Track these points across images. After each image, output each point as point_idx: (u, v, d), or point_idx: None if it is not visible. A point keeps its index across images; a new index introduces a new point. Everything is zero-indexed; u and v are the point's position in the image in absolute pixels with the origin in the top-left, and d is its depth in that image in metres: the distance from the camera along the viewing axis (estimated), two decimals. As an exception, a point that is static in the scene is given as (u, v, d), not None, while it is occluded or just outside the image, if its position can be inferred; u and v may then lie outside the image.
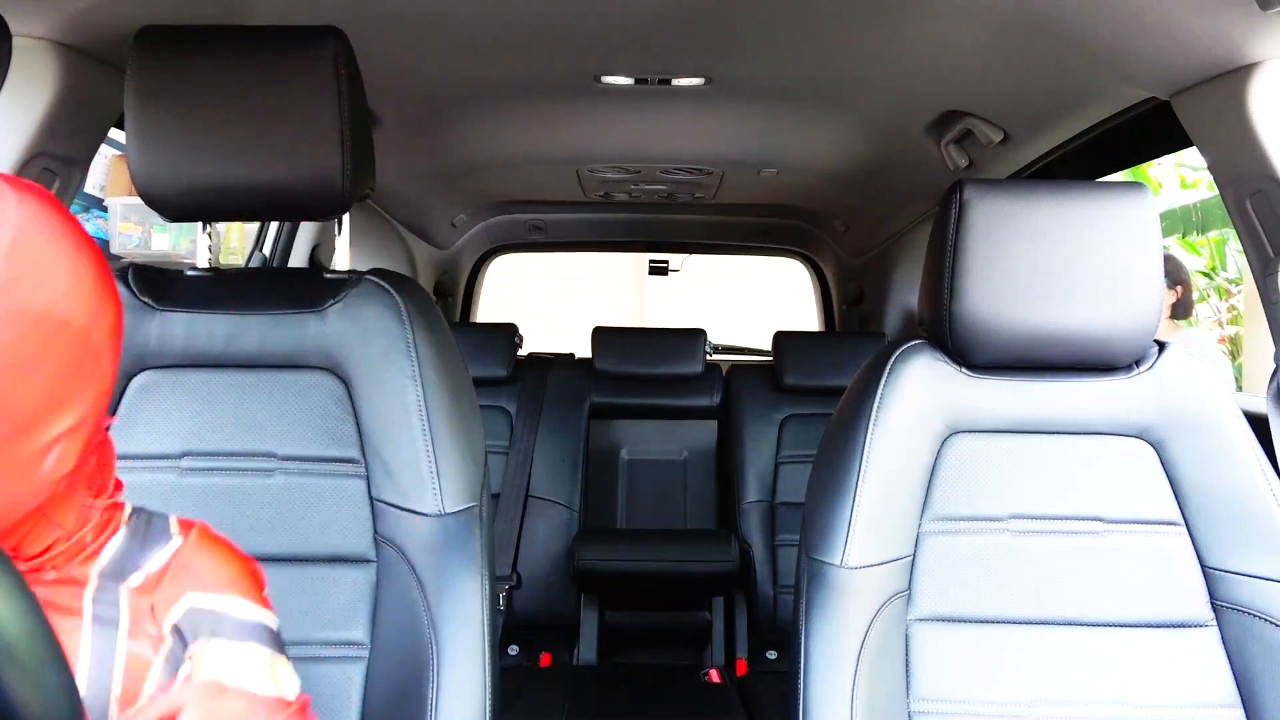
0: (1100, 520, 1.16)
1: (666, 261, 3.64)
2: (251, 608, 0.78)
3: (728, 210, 3.14)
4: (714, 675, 2.51)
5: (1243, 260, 6.57)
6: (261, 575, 0.82)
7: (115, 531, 0.75)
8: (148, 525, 0.78)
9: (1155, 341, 1.18)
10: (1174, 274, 3.03)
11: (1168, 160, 7.24)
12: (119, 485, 0.77)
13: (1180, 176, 7.41)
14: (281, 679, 0.78)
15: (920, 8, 1.34)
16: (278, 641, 0.79)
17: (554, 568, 2.57)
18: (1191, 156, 6.78)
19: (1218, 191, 1.32)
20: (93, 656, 0.71)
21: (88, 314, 0.65)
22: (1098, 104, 1.54)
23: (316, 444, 1.10)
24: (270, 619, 0.80)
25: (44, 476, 0.64)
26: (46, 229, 0.62)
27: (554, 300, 9.18)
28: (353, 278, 1.14)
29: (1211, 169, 1.31)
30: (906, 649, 1.13)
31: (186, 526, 0.79)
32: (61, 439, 0.64)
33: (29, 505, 0.65)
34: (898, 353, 1.18)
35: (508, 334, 2.73)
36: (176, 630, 0.74)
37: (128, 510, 0.78)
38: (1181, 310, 3.08)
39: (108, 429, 0.75)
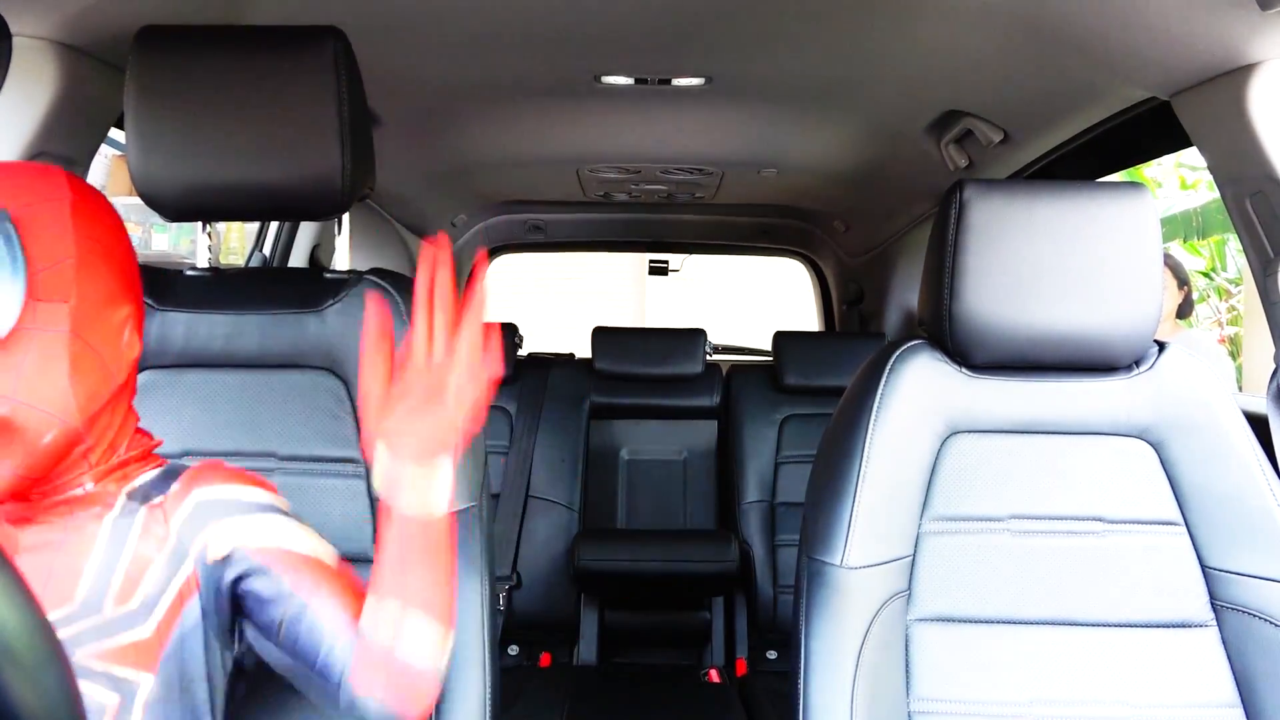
0: (1100, 520, 1.16)
1: (666, 261, 3.63)
2: (262, 493, 0.86)
3: (728, 210, 3.14)
4: (714, 675, 2.51)
5: (1243, 260, 6.57)
6: (273, 486, 0.90)
7: (151, 469, 0.86)
8: (176, 467, 0.88)
9: (1155, 342, 1.18)
10: (1182, 274, 3.05)
11: (1168, 161, 7.24)
12: (155, 442, 0.88)
13: (1180, 178, 7.41)
14: (317, 541, 0.86)
15: (920, 8, 1.33)
16: (296, 520, 0.86)
17: (554, 568, 2.57)
18: (1192, 157, 6.78)
19: (1218, 193, 1.32)
20: (102, 558, 0.80)
21: (128, 246, 0.85)
22: (1098, 104, 1.54)
23: (317, 444, 1.10)
24: (284, 503, 0.87)
25: (123, 353, 0.82)
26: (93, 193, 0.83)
27: (553, 300, 9.18)
28: (352, 278, 1.13)
29: (1211, 169, 1.31)
30: (906, 649, 1.13)
31: None
32: (128, 321, 0.83)
33: (117, 380, 0.81)
34: (898, 353, 1.18)
35: (508, 334, 2.73)
36: (183, 528, 0.82)
37: (167, 463, 0.89)
38: (1185, 310, 3.09)
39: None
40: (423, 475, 0.80)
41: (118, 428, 0.83)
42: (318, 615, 0.83)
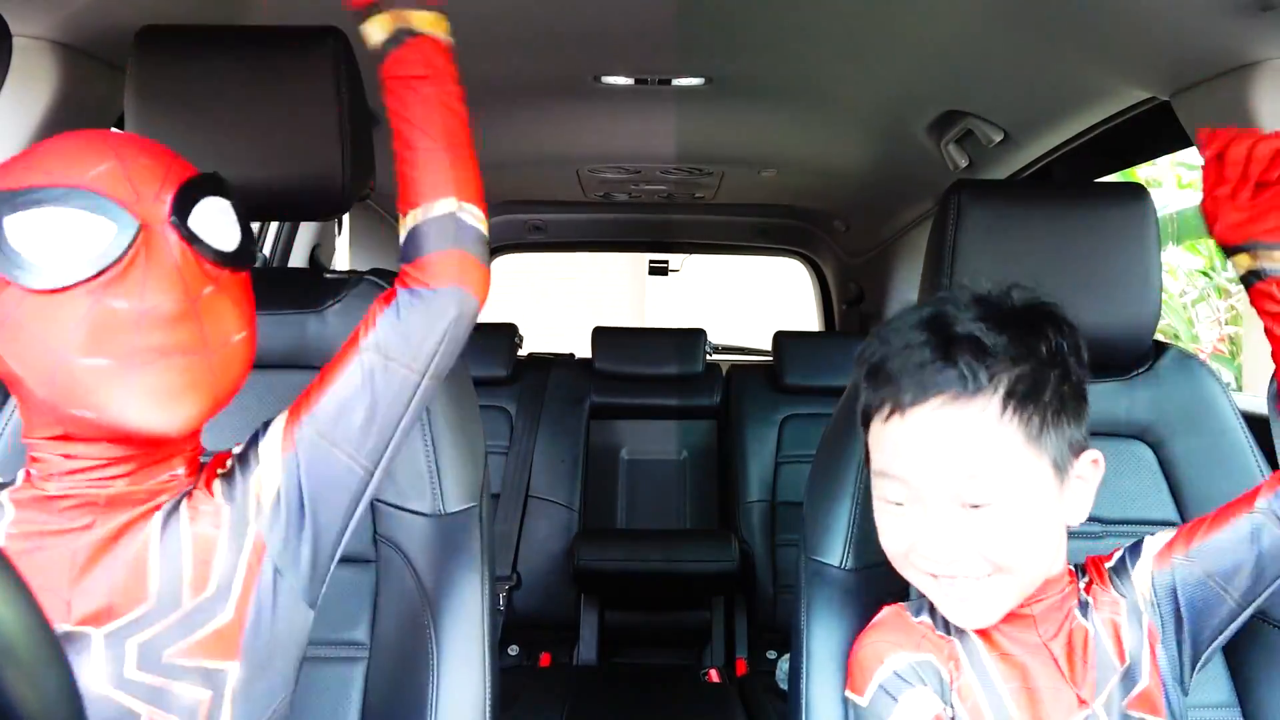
0: (1099, 521, 1.15)
1: (666, 261, 3.64)
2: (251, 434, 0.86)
3: (728, 210, 3.14)
4: (714, 675, 2.51)
5: (1243, 260, 6.52)
6: None
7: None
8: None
9: (1154, 342, 1.18)
10: None
11: (1164, 161, 7.23)
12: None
13: (1177, 176, 7.41)
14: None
15: (920, 7, 1.34)
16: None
17: (554, 568, 2.57)
18: (1191, 156, 6.77)
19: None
20: (164, 550, 0.76)
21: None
22: (1098, 104, 1.54)
23: None
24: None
25: (241, 371, 0.80)
26: None
27: (552, 300, 9.18)
28: (352, 278, 1.13)
29: (1211, 169, 1.31)
30: None
31: None
32: (244, 343, 0.80)
33: (232, 393, 0.80)
34: (897, 353, 1.18)
35: (508, 334, 2.73)
36: (231, 495, 0.81)
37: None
38: None
39: None
40: None
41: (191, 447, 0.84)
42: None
